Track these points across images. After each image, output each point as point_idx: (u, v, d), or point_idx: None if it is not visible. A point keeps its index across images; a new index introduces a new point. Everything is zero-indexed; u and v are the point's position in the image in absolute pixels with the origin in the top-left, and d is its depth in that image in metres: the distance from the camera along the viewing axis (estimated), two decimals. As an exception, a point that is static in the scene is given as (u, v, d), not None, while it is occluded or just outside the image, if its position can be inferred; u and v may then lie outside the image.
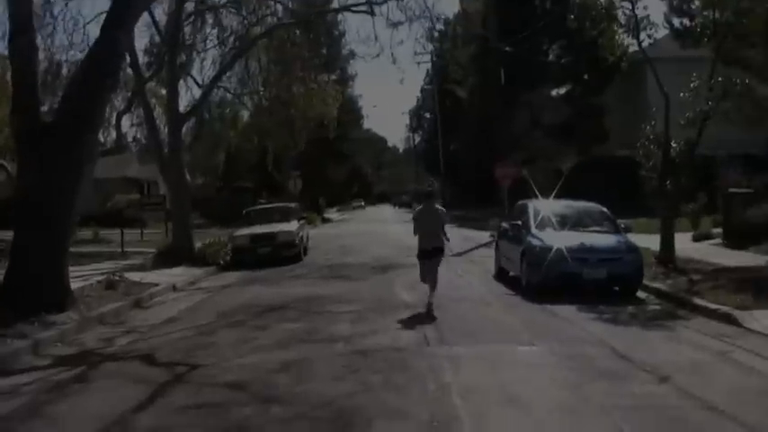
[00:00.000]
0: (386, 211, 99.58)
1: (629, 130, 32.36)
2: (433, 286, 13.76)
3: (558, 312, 13.08)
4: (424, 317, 12.87)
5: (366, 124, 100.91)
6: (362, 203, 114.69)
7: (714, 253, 20.19)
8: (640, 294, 15.06)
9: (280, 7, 29.80)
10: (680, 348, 10.28)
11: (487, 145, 47.64)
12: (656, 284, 15.38)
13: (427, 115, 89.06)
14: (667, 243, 17.90)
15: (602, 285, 14.81)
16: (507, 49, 38.85)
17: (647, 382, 8.30)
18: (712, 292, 13.61)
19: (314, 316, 13.57)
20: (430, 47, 58.94)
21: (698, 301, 13.23)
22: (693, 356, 9.67)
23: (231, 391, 8.37)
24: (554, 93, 47.14)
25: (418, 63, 69.29)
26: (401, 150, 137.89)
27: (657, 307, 13.86)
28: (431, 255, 13.99)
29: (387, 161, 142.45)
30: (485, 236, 30.96)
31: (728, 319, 11.75)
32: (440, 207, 14.91)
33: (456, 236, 30.71)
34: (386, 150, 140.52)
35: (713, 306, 12.55)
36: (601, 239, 15.64)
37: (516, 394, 7.91)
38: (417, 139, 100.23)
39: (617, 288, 15.11)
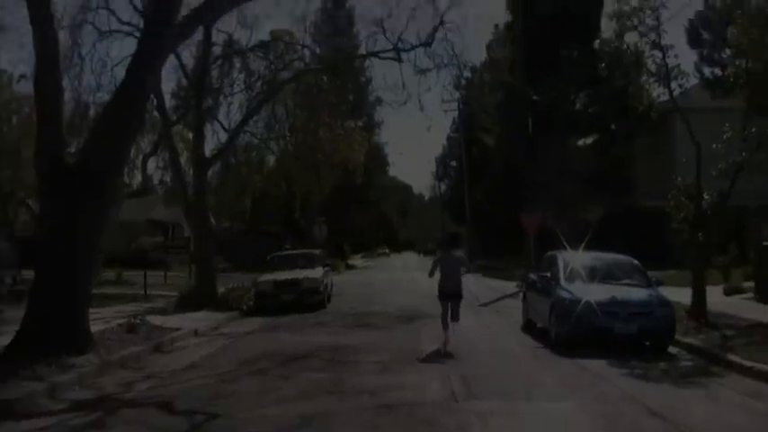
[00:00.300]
0: (410, 258, 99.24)
1: (657, 180, 32.08)
2: (456, 320, 15.25)
3: (589, 367, 12.72)
4: (449, 365, 12.86)
5: (391, 171, 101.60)
6: (387, 251, 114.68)
7: (746, 307, 19.76)
8: (672, 349, 14.64)
9: (307, 52, 30.13)
10: (716, 408, 9.91)
11: (514, 194, 47.42)
12: (688, 339, 14.94)
13: (453, 163, 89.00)
14: (699, 297, 17.46)
15: (633, 340, 14.42)
16: (534, 97, 38.86)
17: (684, 445, 7.97)
18: (747, 349, 13.17)
19: (338, 366, 13.26)
20: (457, 94, 59.09)
21: (732, 357, 12.77)
22: (730, 417, 9.32)
23: (251, 446, 8.11)
24: (581, 142, 46.91)
25: (445, 111, 69.01)
26: (427, 198, 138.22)
27: (690, 363, 13.45)
28: (448, 297, 15.32)
29: (412, 208, 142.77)
30: (510, 286, 30.65)
31: (765, 378, 11.33)
32: (460, 253, 16.45)
33: (481, 286, 30.61)
34: (411, 198, 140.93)
35: (748, 363, 12.10)
36: (632, 293, 15.22)
37: (547, 455, 7.63)
38: (443, 187, 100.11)
39: (648, 342, 14.73)
